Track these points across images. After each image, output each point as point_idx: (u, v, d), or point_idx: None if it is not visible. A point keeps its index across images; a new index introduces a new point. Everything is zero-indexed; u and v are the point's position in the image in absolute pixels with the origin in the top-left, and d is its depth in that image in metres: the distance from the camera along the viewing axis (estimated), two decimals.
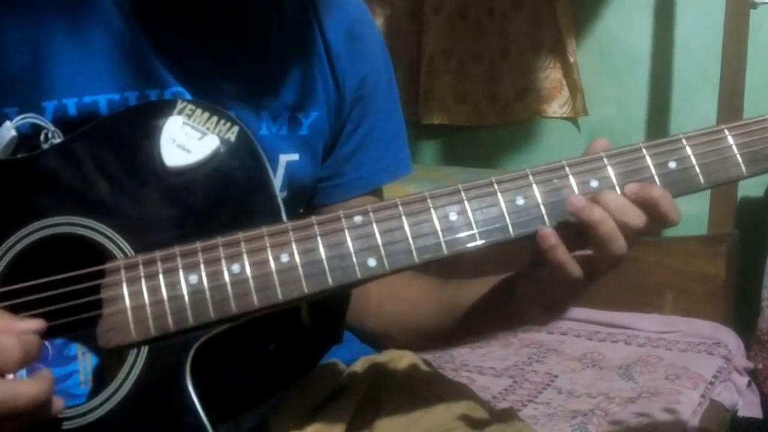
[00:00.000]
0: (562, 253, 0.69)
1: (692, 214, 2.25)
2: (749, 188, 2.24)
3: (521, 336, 1.94)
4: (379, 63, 0.95)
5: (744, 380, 1.82)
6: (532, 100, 2.63)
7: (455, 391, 0.88)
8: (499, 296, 0.81)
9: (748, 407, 1.79)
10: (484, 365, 1.80)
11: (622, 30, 2.49)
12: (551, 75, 2.60)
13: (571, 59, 2.53)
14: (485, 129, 2.74)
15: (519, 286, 0.78)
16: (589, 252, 0.70)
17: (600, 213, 0.68)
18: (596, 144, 0.73)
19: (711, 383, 1.69)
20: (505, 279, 0.81)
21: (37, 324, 0.62)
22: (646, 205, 0.69)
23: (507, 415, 0.86)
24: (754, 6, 1.98)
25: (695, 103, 2.35)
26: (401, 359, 0.92)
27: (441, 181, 2.07)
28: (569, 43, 2.53)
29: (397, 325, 0.93)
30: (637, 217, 0.69)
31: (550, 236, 0.68)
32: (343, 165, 0.94)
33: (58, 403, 0.63)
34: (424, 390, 0.87)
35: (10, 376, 0.61)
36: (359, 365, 0.91)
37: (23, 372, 0.64)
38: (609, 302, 1.96)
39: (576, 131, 2.60)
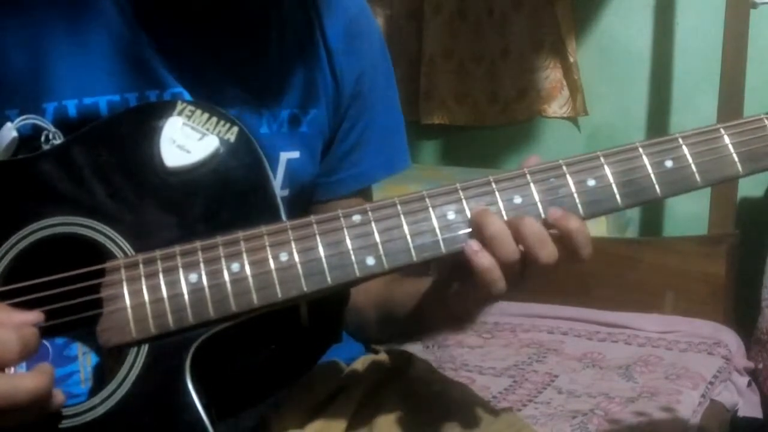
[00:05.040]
0: (485, 260, 0.68)
1: (692, 214, 2.26)
2: (749, 188, 2.24)
3: (521, 336, 1.94)
4: (376, 59, 0.95)
5: (744, 380, 1.82)
6: (532, 100, 2.63)
7: (455, 391, 0.89)
8: (416, 299, 0.82)
9: (748, 407, 1.79)
10: (484, 365, 1.80)
11: (622, 30, 2.49)
12: (551, 75, 2.60)
13: (571, 59, 2.53)
14: (485, 129, 2.75)
15: (427, 295, 0.80)
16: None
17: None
18: (529, 161, 0.72)
19: (711, 383, 1.68)
20: (426, 284, 0.82)
21: (35, 316, 0.63)
22: (562, 234, 0.68)
23: (507, 415, 0.86)
24: (754, 6, 1.97)
25: (695, 103, 2.35)
26: (401, 359, 0.93)
27: (441, 181, 2.05)
28: (569, 43, 2.53)
29: (357, 316, 0.92)
30: (551, 255, 0.68)
31: (473, 244, 0.68)
32: (341, 161, 0.94)
33: (59, 396, 0.63)
34: (423, 390, 0.87)
35: (11, 370, 0.61)
36: (359, 364, 0.91)
37: (23, 366, 0.65)
38: (609, 302, 1.95)
39: (576, 131, 2.60)
